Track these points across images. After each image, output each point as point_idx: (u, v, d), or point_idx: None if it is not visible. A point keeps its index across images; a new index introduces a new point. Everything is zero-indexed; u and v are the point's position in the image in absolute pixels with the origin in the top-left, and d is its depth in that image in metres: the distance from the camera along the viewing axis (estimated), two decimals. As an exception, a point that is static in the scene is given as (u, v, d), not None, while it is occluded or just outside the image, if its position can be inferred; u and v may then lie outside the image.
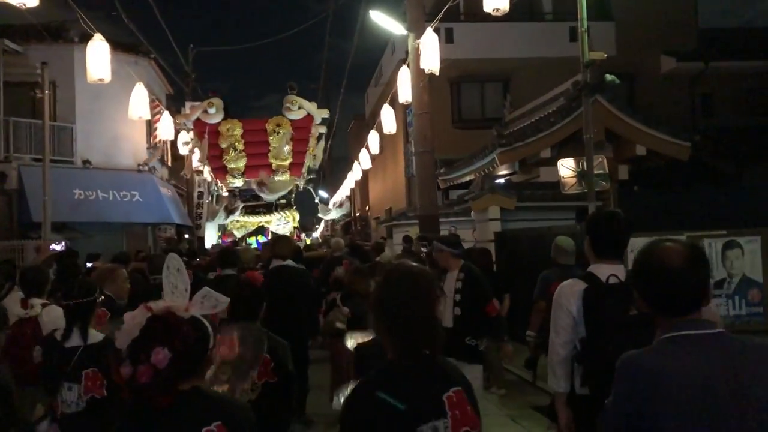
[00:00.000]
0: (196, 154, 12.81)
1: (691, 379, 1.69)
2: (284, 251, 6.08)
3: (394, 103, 11.78)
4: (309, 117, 12.70)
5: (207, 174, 13.29)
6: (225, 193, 13.61)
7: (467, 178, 15.50)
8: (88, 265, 7.20)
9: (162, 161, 17.38)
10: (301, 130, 12.73)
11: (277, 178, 12.88)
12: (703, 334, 1.76)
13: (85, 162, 14.07)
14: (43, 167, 9.02)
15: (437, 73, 9.13)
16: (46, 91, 9.35)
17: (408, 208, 18.39)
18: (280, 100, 12.70)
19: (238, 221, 13.25)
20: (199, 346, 1.70)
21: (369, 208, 29.93)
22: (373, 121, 14.69)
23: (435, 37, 8.87)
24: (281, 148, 12.39)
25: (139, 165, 15.05)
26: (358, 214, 31.50)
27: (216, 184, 13.60)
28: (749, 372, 1.70)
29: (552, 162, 13.01)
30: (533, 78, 18.53)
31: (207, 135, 12.14)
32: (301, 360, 5.22)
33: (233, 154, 12.37)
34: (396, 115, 12.19)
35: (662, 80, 18.83)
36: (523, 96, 17.82)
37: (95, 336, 3.09)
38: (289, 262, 5.99)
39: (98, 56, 8.54)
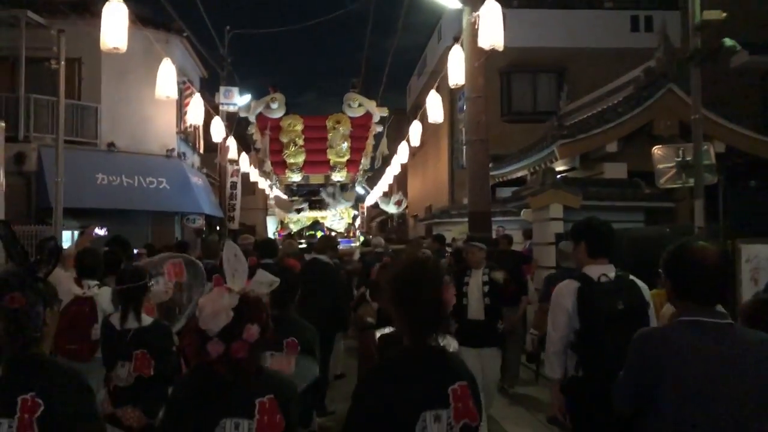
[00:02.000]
0: (261, 148, 12.80)
1: (697, 358, 1.97)
2: (320, 245, 6.65)
3: (441, 89, 10.64)
4: (368, 115, 12.70)
5: (267, 167, 13.31)
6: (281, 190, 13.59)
7: (518, 174, 14.25)
8: (135, 251, 7.39)
9: (193, 148, 16.52)
10: (360, 128, 12.74)
11: (335, 174, 13.04)
12: (715, 323, 2.04)
13: (110, 145, 13.20)
14: (56, 146, 8.12)
15: (501, 48, 7.97)
16: (62, 62, 8.40)
17: (451, 206, 17.21)
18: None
19: (294, 215, 13.48)
20: (269, 321, 1.90)
21: (407, 205, 28.83)
22: (415, 114, 13.70)
23: (498, 7, 7.65)
24: (341, 145, 12.57)
25: (167, 150, 14.15)
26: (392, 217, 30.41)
27: (274, 178, 13.66)
28: (751, 361, 1.96)
29: (617, 157, 11.72)
30: (590, 70, 17.24)
31: (269, 130, 12.30)
32: (324, 350, 5.37)
33: (293, 149, 12.71)
34: (442, 104, 11.04)
35: (732, 74, 17.26)
36: (578, 89, 16.52)
37: (145, 320, 3.36)
38: (322, 257, 6.34)
39: (115, 21, 7.46)
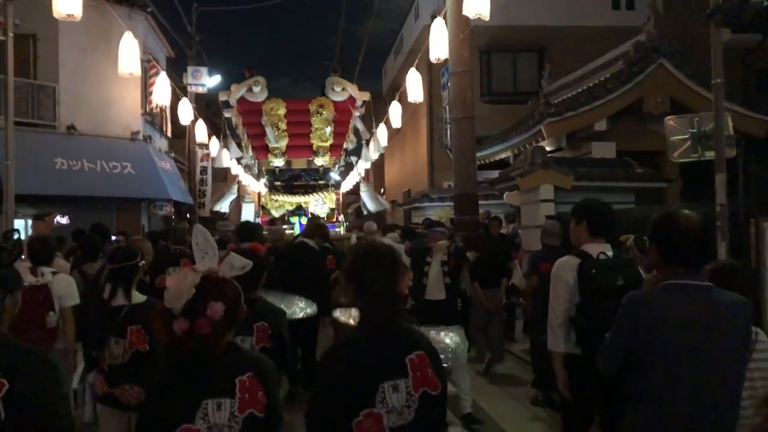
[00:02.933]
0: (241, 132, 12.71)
1: (680, 317, 2.16)
2: (308, 230, 6.95)
3: (419, 68, 10.08)
4: (351, 99, 12.49)
5: (249, 153, 13.33)
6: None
7: (501, 156, 13.77)
8: (113, 238, 7.51)
9: (161, 131, 15.70)
10: (343, 112, 12.55)
11: (317, 159, 13.02)
12: (697, 285, 2.23)
13: (70, 128, 12.30)
14: (6, 126, 7.37)
15: (487, 18, 7.43)
16: (10, 34, 7.63)
17: (431, 189, 16.72)
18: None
19: (276, 200, 13.33)
20: (238, 301, 1.92)
21: (384, 190, 28.27)
22: (392, 96, 13.11)
23: (485, -28, 7.08)
24: (324, 129, 12.53)
25: (132, 133, 13.33)
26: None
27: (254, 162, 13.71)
28: (724, 320, 2.17)
29: (606, 136, 11.28)
30: (571, 49, 16.81)
31: (246, 113, 12.17)
32: (310, 332, 5.80)
33: (276, 133, 12.37)
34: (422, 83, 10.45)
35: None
36: (559, 69, 16.06)
37: (138, 297, 3.38)
38: (309, 241, 6.55)
39: (67, -16, 6.77)
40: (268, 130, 12.32)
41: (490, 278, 6.88)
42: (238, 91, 12.04)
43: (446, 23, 8.66)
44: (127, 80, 13.19)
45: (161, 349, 3.07)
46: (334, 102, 12.43)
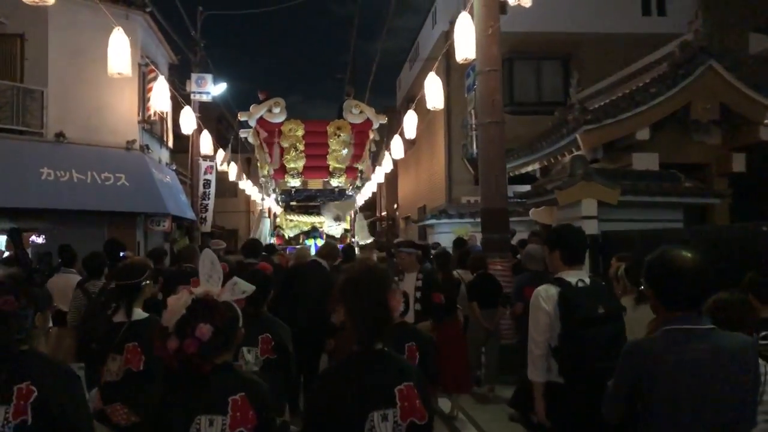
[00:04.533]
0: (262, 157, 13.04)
1: (686, 367, 2.04)
2: (324, 250, 7.00)
3: (439, 72, 9.11)
4: (368, 121, 12.69)
5: (268, 172, 13.41)
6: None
7: (527, 169, 12.66)
8: (122, 254, 7.24)
9: (161, 141, 14.71)
10: (360, 134, 12.75)
11: (333, 180, 13.15)
12: (698, 329, 2.10)
13: (59, 135, 11.26)
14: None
15: (528, 4, 6.42)
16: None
17: (449, 205, 15.60)
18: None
19: (291, 221, 13.53)
20: (232, 324, 2.02)
21: (398, 206, 27.21)
22: (407, 108, 12.26)
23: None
24: (341, 151, 12.65)
25: (127, 142, 12.31)
26: (384, 213, 28.77)
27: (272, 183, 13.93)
28: (730, 360, 2.04)
29: (648, 146, 10.15)
30: (598, 57, 15.79)
31: (264, 133, 12.43)
32: (315, 350, 5.86)
33: (293, 154, 12.50)
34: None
35: (751, 61, 15.83)
36: (585, 77, 15.00)
37: (140, 314, 3.32)
38: (322, 261, 6.59)
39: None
40: (275, 151, 12.50)
41: (489, 298, 6.65)
42: (257, 112, 12.23)
43: (473, 18, 7.65)
44: (123, 86, 12.29)
45: (159, 369, 2.98)
46: (352, 124, 12.57)
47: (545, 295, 3.22)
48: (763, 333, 2.93)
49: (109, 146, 12.05)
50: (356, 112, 12.60)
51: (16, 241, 9.18)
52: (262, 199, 17.06)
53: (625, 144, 9.85)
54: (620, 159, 9.92)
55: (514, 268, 7.42)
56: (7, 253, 9.73)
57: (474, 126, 8.50)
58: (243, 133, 13.33)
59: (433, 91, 9.23)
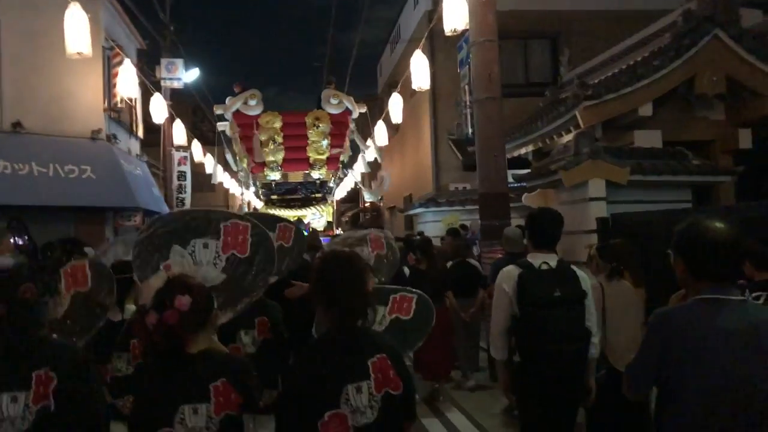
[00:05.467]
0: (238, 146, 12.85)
1: (719, 337, 1.91)
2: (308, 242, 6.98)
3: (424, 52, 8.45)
4: (347, 111, 12.41)
5: (244, 166, 13.37)
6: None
7: (518, 152, 12.01)
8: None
9: (130, 131, 13.83)
10: (339, 124, 12.48)
11: (314, 172, 13.09)
12: (731, 300, 1.99)
13: (15, 125, 10.33)
14: None
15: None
16: None
17: (437, 193, 14.95)
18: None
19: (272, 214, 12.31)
20: (208, 302, 2.09)
21: (382, 197, 26.50)
22: (390, 92, 11.69)
23: None
24: (320, 143, 12.53)
25: (92, 132, 11.44)
26: (368, 204, 28.03)
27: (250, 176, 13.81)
28: (764, 337, 1.91)
29: (650, 123, 9.56)
30: (588, 35, 15.19)
31: (241, 126, 12.17)
32: (304, 341, 5.41)
33: (272, 146, 12.36)
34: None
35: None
36: (575, 56, 14.41)
37: (131, 310, 3.43)
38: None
39: None
40: (255, 145, 12.25)
41: (466, 288, 6.60)
42: (233, 105, 11.94)
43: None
44: (86, 70, 11.41)
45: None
46: (330, 114, 12.30)
47: (507, 275, 3.29)
48: (756, 294, 3.04)
49: (73, 136, 11.16)
50: (334, 101, 12.30)
51: (21, 231, 8.40)
52: (242, 194, 16.78)
53: (626, 121, 9.24)
54: (621, 138, 9.31)
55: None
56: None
57: (468, 103, 7.78)
58: (220, 127, 13.02)
59: (419, 71, 8.55)
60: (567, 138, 9.68)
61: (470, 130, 7.62)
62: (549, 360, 3.07)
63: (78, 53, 7.96)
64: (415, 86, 8.78)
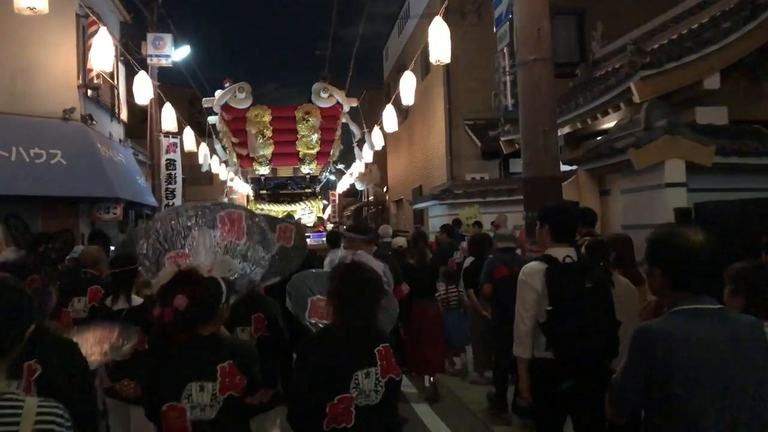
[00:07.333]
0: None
1: (703, 347, 1.87)
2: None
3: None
4: (338, 105, 12.33)
5: (234, 160, 13.26)
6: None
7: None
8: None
9: (110, 112, 12.39)
10: (329, 118, 12.44)
11: (304, 167, 13.07)
12: (708, 308, 1.95)
13: (-26, 104, 9.08)
14: None
15: None
16: None
17: (452, 183, 13.55)
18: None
19: (262, 209, 12.82)
20: (212, 299, 2.24)
21: (387, 189, 25.13)
22: (398, 77, 10.43)
23: None
24: (310, 137, 12.51)
25: (64, 111, 10.02)
26: (372, 197, 26.67)
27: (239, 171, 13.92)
28: (745, 343, 1.90)
29: (714, 98, 8.15)
30: (617, 11, 13.78)
31: (230, 121, 12.15)
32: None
33: (261, 140, 12.33)
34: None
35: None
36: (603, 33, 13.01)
37: (136, 300, 3.59)
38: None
39: None
40: (250, 140, 12.18)
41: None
42: (222, 98, 11.85)
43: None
44: (57, 41, 9.98)
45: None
46: (320, 108, 12.28)
47: (533, 271, 3.20)
48: None
49: (41, 116, 9.75)
50: (325, 95, 12.20)
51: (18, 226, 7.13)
52: (231, 180, 16.66)
53: (685, 96, 7.83)
54: (680, 114, 7.89)
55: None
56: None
57: (508, 69, 6.36)
58: (211, 120, 12.89)
59: (439, 42, 7.22)
60: (613, 118, 8.27)
61: (510, 102, 6.20)
62: (587, 355, 3.04)
63: (30, 8, 6.65)
64: (433, 59, 7.45)
